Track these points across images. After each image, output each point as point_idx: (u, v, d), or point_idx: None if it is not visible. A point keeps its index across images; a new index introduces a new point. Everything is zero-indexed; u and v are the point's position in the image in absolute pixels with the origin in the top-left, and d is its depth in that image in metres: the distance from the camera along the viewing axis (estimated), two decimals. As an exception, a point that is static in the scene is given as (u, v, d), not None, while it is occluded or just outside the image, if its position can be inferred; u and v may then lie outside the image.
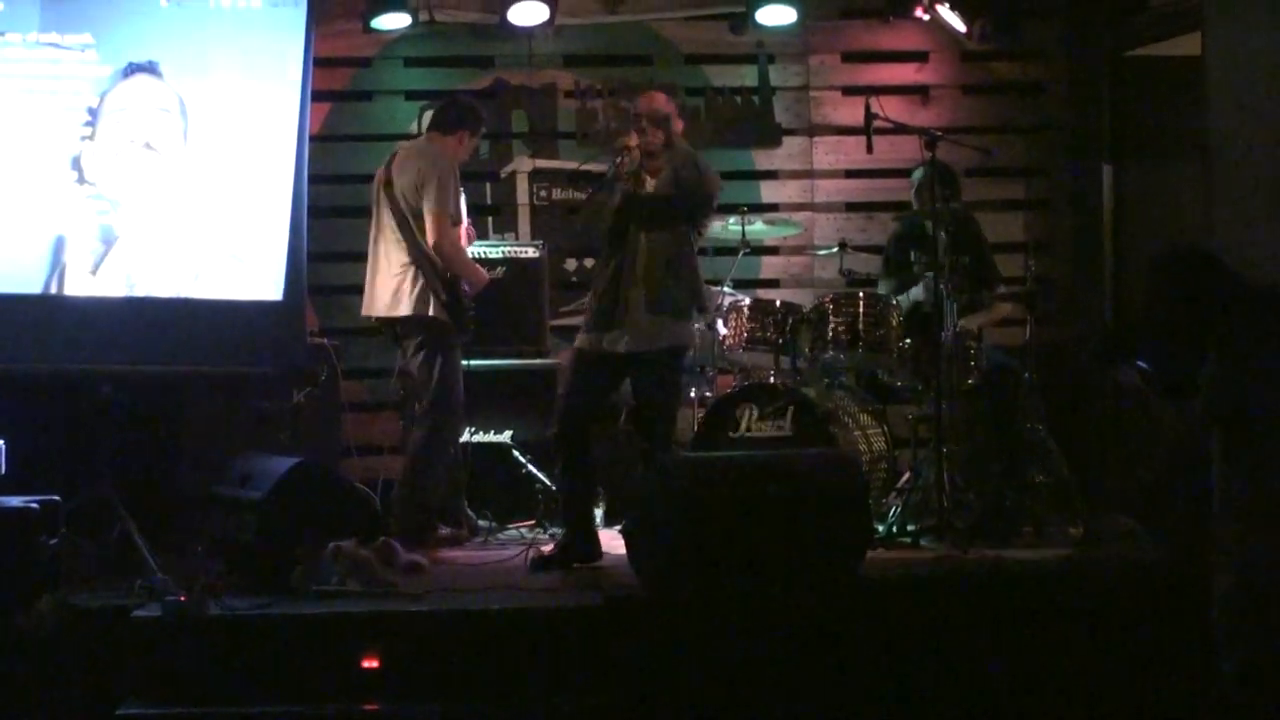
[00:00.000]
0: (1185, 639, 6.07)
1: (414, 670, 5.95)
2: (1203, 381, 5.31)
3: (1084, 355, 9.05)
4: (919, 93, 9.76)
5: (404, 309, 7.77)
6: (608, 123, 9.53)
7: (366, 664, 5.92)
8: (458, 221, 7.90)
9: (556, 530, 7.84)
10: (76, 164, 7.59)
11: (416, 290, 7.74)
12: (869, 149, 7.98)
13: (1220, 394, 5.26)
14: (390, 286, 7.81)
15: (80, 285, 7.54)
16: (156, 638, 5.98)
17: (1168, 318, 5.48)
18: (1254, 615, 5.24)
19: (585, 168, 8.47)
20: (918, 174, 8.35)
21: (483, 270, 8.13)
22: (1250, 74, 8.05)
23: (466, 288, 7.86)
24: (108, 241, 7.58)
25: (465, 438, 8.31)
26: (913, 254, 8.40)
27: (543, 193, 9.45)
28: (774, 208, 9.60)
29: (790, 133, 9.75)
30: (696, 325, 8.25)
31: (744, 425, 7.85)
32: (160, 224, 7.64)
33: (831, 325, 7.99)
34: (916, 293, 8.20)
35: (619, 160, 7.26)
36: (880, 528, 7.54)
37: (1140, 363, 5.61)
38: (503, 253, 8.79)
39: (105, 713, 5.79)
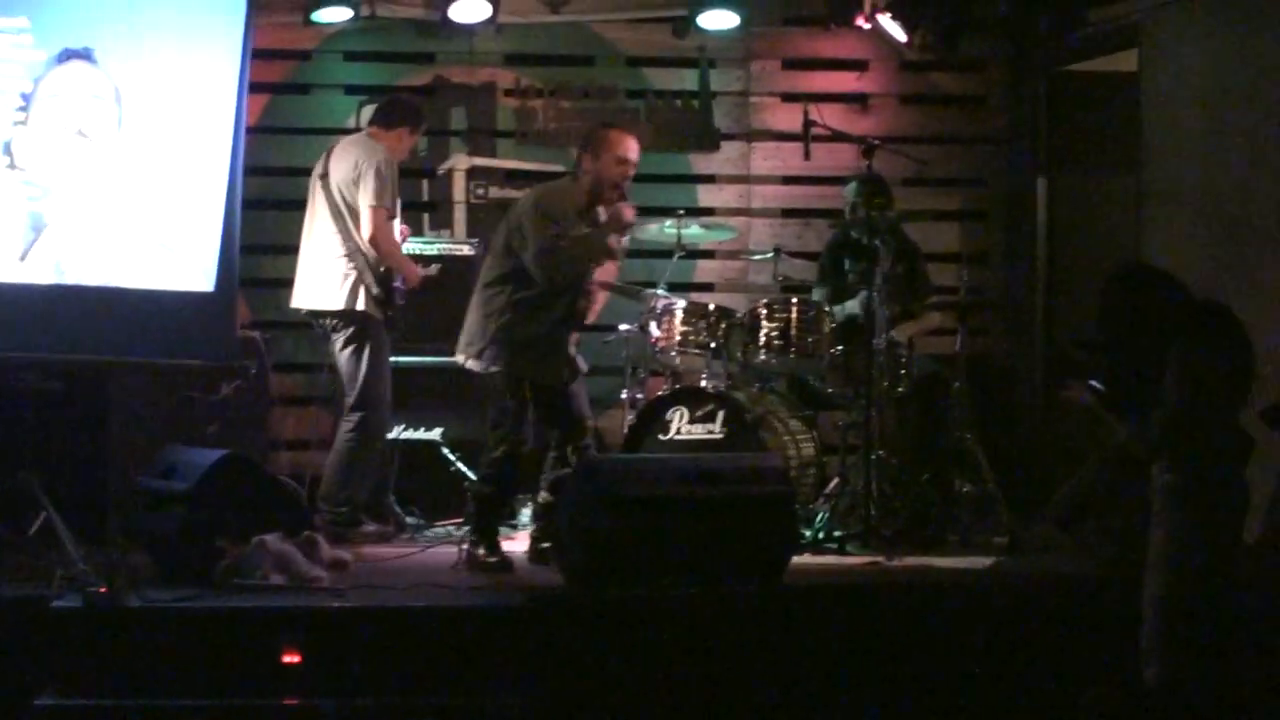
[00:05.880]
0: (1107, 649, 6.11)
1: (335, 666, 5.93)
2: (1160, 404, 5.34)
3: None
4: (858, 101, 9.78)
5: (334, 302, 7.75)
6: (547, 123, 9.52)
7: (288, 659, 5.89)
8: (392, 215, 7.89)
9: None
10: (8, 149, 7.49)
11: (348, 284, 7.73)
12: (807, 156, 8.06)
13: (1177, 416, 5.30)
14: (322, 279, 7.80)
15: (8, 272, 7.45)
16: (76, 629, 5.93)
17: (1124, 335, 5.53)
18: (1179, 626, 5.30)
19: (527, 167, 8.54)
20: (851, 188, 8.38)
21: (417, 267, 8.12)
22: (1183, 91, 8.15)
23: (399, 284, 7.85)
24: (37, 228, 7.50)
25: (394, 434, 8.30)
26: (847, 263, 8.44)
27: (480, 191, 9.40)
28: (710, 212, 9.60)
29: (729, 137, 9.77)
30: (628, 327, 8.33)
31: (674, 428, 7.86)
32: (91, 212, 7.57)
33: (764, 330, 8.00)
34: (852, 306, 8.22)
35: (615, 228, 7.29)
36: (807, 533, 7.56)
37: (1094, 383, 5.65)
38: (438, 250, 8.76)
39: (21, 704, 5.73)
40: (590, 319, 7.81)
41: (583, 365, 7.55)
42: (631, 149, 7.28)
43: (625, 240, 7.53)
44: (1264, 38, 7.66)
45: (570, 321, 7.30)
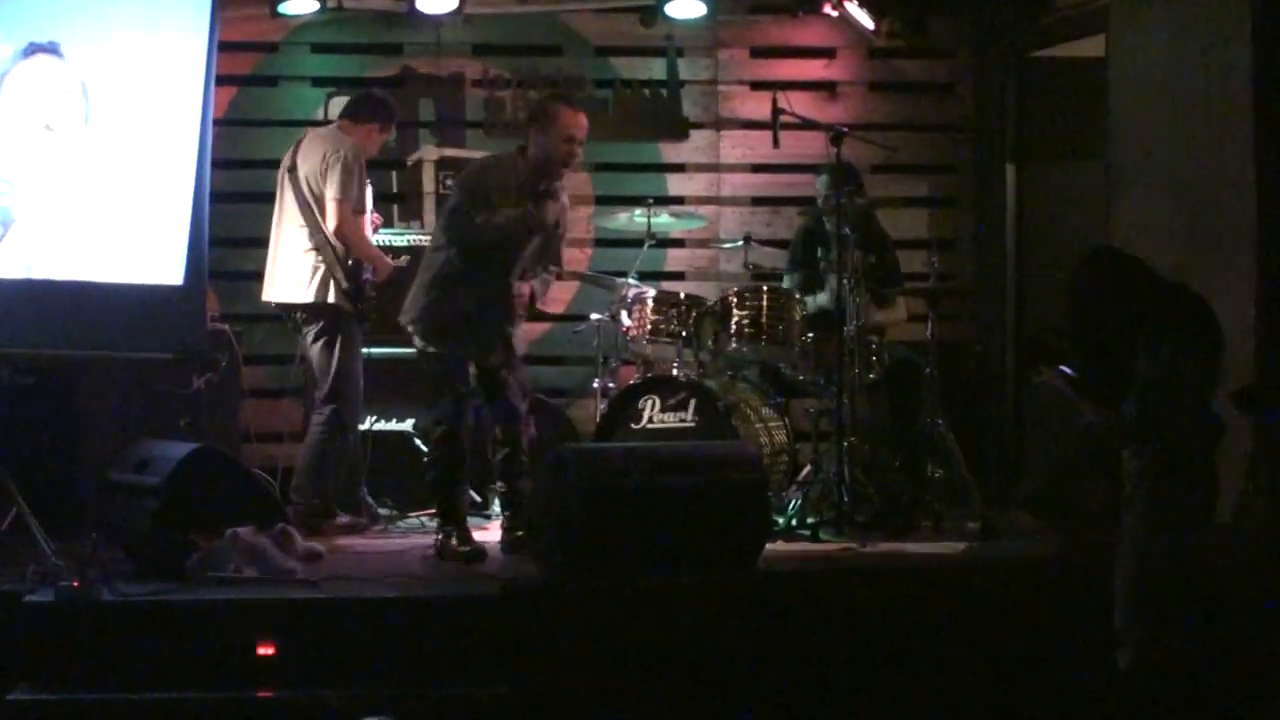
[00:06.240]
0: (1080, 632, 6.14)
1: (310, 658, 5.92)
2: (1134, 392, 5.36)
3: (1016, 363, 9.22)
4: (826, 89, 9.81)
5: (304, 295, 7.73)
6: (515, 113, 9.50)
7: (262, 651, 5.87)
8: (360, 210, 7.87)
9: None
10: (-26, 145, 7.47)
11: (318, 276, 7.71)
12: (775, 144, 8.02)
13: (1149, 401, 5.32)
14: (291, 272, 7.78)
15: (-24, 268, 7.43)
16: (49, 623, 5.90)
17: (1095, 320, 5.55)
18: (1151, 608, 5.33)
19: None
20: (822, 180, 8.38)
21: (386, 257, 8.10)
22: (1150, 77, 8.17)
23: (369, 275, 7.83)
24: (5, 224, 7.46)
25: (366, 426, 8.29)
26: (819, 250, 8.45)
27: (449, 182, 9.35)
28: (680, 200, 9.63)
29: (697, 126, 9.78)
30: (599, 317, 8.34)
31: (646, 417, 7.86)
32: (60, 206, 7.53)
33: (735, 318, 8.00)
34: (823, 299, 8.24)
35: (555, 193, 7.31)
36: (780, 520, 7.57)
37: (1065, 369, 5.66)
38: (407, 241, 8.73)
39: (-5, 698, 5.73)
40: (546, 306, 7.79)
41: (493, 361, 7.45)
42: (580, 126, 7.20)
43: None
44: (1230, 22, 7.68)
45: (505, 302, 7.20)
